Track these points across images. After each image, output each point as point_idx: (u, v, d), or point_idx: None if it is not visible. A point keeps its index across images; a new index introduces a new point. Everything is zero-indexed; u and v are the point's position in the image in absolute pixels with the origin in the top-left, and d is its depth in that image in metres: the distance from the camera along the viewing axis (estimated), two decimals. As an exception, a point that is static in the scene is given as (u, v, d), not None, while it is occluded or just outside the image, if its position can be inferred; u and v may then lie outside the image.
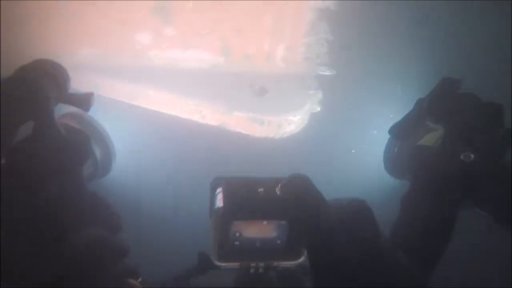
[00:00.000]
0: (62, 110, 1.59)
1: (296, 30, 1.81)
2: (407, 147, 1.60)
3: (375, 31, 1.76)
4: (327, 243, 1.10)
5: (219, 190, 1.14)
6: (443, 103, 1.38)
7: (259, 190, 1.13)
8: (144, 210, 1.84)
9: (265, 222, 1.11)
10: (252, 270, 1.13)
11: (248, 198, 1.12)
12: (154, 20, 1.83)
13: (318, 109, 1.88)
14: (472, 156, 1.28)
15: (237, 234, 1.11)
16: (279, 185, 1.14)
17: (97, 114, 1.76)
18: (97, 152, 1.66)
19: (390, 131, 1.50)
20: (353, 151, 1.90)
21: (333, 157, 1.88)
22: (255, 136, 1.94)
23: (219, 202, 1.12)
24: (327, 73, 1.80)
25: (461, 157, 1.29)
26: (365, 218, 1.13)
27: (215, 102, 1.93)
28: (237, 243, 1.11)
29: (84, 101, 1.31)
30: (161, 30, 1.84)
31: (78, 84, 1.50)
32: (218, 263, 1.12)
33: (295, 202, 1.10)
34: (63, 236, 1.16)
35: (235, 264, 1.13)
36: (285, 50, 1.84)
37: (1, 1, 1.52)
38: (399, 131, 1.49)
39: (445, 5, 1.72)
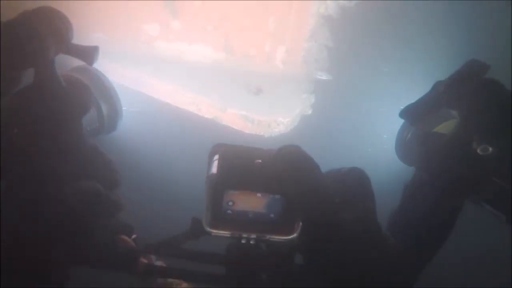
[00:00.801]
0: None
1: (298, 34, 1.89)
2: (421, 133, 1.51)
3: (374, 41, 1.84)
4: (323, 207, 1.09)
5: (216, 157, 1.15)
6: (464, 87, 1.25)
7: (257, 161, 1.13)
8: (144, 172, 1.88)
9: (259, 195, 1.12)
10: (243, 241, 1.14)
11: (243, 168, 1.12)
12: (163, 12, 1.91)
13: (310, 112, 1.94)
14: (491, 149, 1.20)
15: (230, 203, 1.11)
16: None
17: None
18: (104, 107, 1.64)
19: (401, 114, 1.36)
20: (385, 136, 1.89)
21: (320, 158, 1.91)
22: (245, 132, 2.00)
23: (214, 168, 1.13)
24: (324, 77, 1.87)
25: (478, 150, 1.20)
26: (363, 186, 1.15)
27: (212, 97, 1.99)
28: (229, 212, 1.12)
29: (88, 54, 1.29)
30: (169, 23, 1.92)
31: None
32: (209, 230, 1.12)
33: (289, 168, 1.10)
34: (59, 185, 1.20)
35: (226, 233, 1.13)
36: (285, 52, 1.92)
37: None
38: (411, 115, 1.35)
39: (445, 10, 1.77)
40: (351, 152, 1.91)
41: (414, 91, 1.46)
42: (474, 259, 1.84)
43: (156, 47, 1.96)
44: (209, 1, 1.88)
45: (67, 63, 1.55)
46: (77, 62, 1.48)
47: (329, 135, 1.94)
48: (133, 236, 1.27)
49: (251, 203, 1.12)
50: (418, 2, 1.77)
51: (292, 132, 1.97)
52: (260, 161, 1.13)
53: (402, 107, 1.35)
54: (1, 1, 1.26)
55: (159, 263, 1.31)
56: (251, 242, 1.14)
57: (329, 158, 1.88)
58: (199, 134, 1.94)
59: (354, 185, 1.15)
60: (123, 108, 1.82)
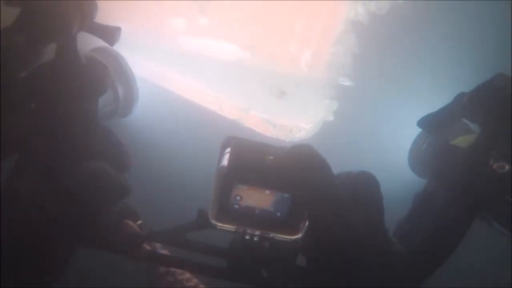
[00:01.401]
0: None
1: (325, 39, 1.87)
2: (438, 144, 1.48)
3: (400, 50, 1.81)
4: (332, 208, 1.08)
5: (228, 149, 1.14)
6: (487, 100, 1.23)
7: (268, 158, 1.12)
8: (156, 163, 1.86)
9: (267, 192, 1.11)
10: (247, 237, 1.13)
11: (254, 163, 1.11)
12: (191, 7, 1.90)
13: (331, 118, 1.92)
14: (507, 167, 1.17)
15: (238, 198, 1.11)
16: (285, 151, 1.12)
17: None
18: (120, 90, 1.64)
19: (419, 123, 1.36)
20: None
21: (339, 165, 1.89)
22: (267, 136, 1.97)
23: (225, 161, 1.12)
24: (347, 83, 1.85)
25: (495, 166, 1.18)
26: (372, 189, 1.13)
27: (234, 97, 1.97)
28: (236, 206, 1.11)
29: (110, 34, 1.29)
30: (196, 18, 1.92)
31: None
32: (214, 223, 1.12)
33: (300, 167, 1.09)
34: (70, 163, 1.19)
35: (231, 227, 1.13)
36: (310, 56, 1.90)
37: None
38: (430, 124, 1.35)
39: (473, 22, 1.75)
40: (371, 160, 1.87)
41: (437, 103, 1.46)
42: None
43: (180, 42, 1.95)
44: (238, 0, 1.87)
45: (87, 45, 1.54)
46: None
47: (349, 143, 1.91)
48: (139, 222, 1.26)
49: (258, 199, 1.11)
50: (448, 13, 1.75)
51: (313, 138, 1.95)
52: (271, 157, 1.12)
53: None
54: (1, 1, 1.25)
55: (163, 251, 1.30)
56: (255, 239, 1.13)
57: (348, 165, 1.88)
58: (220, 134, 1.92)
59: (363, 188, 1.13)
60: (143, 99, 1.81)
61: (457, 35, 1.77)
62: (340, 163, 1.87)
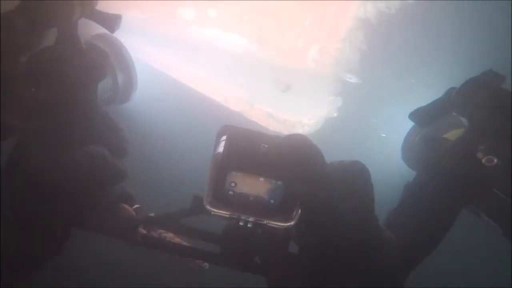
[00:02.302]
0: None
1: (333, 35, 1.87)
2: (428, 137, 1.49)
3: (408, 49, 1.81)
4: (323, 194, 1.10)
5: (224, 137, 1.15)
6: (475, 93, 1.25)
7: (263, 145, 1.13)
8: (155, 147, 1.88)
9: (261, 179, 1.11)
10: (241, 223, 1.13)
11: (249, 151, 1.12)
12: (201, -2, 1.91)
13: (335, 114, 1.92)
14: (495, 161, 1.19)
15: (232, 184, 1.12)
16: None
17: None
18: (120, 77, 1.64)
19: (411, 115, 1.36)
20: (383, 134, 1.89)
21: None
22: (270, 130, 1.98)
23: (220, 148, 1.13)
24: (353, 80, 1.85)
25: (483, 160, 1.19)
26: (363, 178, 1.14)
27: (240, 90, 1.98)
28: (230, 192, 1.12)
29: (110, 21, 1.29)
30: (206, 9, 1.93)
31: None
32: (209, 208, 1.12)
33: (294, 154, 1.10)
34: (69, 147, 1.20)
35: (225, 213, 1.13)
36: (318, 51, 1.90)
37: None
38: (421, 116, 1.35)
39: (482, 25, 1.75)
40: (372, 157, 1.86)
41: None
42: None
43: (189, 32, 1.96)
44: (249, -8, 1.88)
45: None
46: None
47: (352, 140, 1.90)
48: (135, 206, 1.27)
49: (253, 186, 1.12)
50: (457, 14, 1.75)
51: (316, 133, 1.95)
52: (266, 146, 1.13)
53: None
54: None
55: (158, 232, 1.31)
56: (249, 225, 1.13)
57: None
58: (221, 123, 1.93)
59: (354, 176, 1.14)
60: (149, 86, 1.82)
61: (466, 35, 1.77)
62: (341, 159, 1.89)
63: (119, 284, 1.80)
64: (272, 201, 1.12)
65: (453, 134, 1.42)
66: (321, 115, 1.95)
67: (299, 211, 1.11)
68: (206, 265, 1.45)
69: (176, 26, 1.95)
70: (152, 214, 1.29)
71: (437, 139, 1.41)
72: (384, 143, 1.87)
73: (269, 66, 1.93)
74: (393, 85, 1.84)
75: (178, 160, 1.89)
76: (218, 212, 1.13)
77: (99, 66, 1.29)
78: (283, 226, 1.12)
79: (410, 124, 1.76)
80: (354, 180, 1.13)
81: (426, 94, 1.76)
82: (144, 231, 1.24)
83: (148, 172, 1.71)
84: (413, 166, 1.57)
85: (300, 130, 1.97)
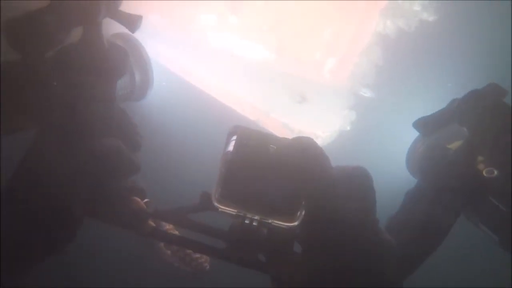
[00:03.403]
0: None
1: (351, 48, 1.90)
2: (430, 146, 1.49)
3: (424, 67, 1.83)
4: (327, 195, 1.12)
5: (234, 137, 1.18)
6: (477, 105, 1.28)
7: (271, 146, 1.17)
8: (168, 147, 1.91)
9: (269, 178, 1.14)
10: (247, 221, 1.15)
11: (258, 151, 1.16)
12: (223, 5, 1.94)
13: (348, 128, 1.93)
14: (496, 172, 1.21)
15: (240, 183, 1.14)
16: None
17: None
18: (137, 75, 1.67)
19: (414, 124, 1.40)
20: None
21: None
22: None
23: (231, 147, 1.17)
24: (368, 95, 1.86)
25: (484, 172, 1.22)
26: (365, 182, 1.15)
27: (256, 98, 2.00)
28: (238, 190, 1.14)
29: (131, 21, 1.34)
30: (227, 16, 1.96)
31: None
32: (216, 205, 1.14)
33: (300, 158, 1.13)
34: (86, 139, 1.23)
35: (232, 210, 1.15)
36: (335, 64, 1.92)
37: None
38: (423, 126, 1.39)
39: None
40: (384, 173, 1.88)
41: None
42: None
43: (209, 38, 1.99)
44: (271, 2, 1.90)
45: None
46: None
47: (364, 154, 1.89)
48: (145, 200, 1.29)
49: (260, 185, 1.15)
50: (476, 35, 1.77)
51: (328, 146, 1.96)
52: (274, 147, 1.17)
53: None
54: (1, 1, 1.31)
55: (167, 227, 1.33)
56: (254, 223, 1.15)
57: None
58: None
59: (357, 180, 1.16)
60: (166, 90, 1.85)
61: (485, 56, 1.78)
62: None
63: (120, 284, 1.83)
64: (278, 200, 1.15)
65: (456, 145, 1.43)
66: (334, 128, 1.97)
67: (303, 211, 1.13)
68: (207, 266, 1.46)
69: (195, 31, 1.98)
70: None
71: (437, 147, 1.44)
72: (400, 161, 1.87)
73: (286, 76, 1.95)
74: (407, 101, 1.85)
75: (192, 164, 1.91)
76: (225, 209, 1.15)
77: (119, 65, 1.35)
78: (288, 225, 1.14)
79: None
80: (356, 184, 1.15)
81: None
82: (153, 224, 1.25)
83: (159, 168, 1.73)
84: (415, 175, 1.59)
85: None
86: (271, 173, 1.15)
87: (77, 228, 1.24)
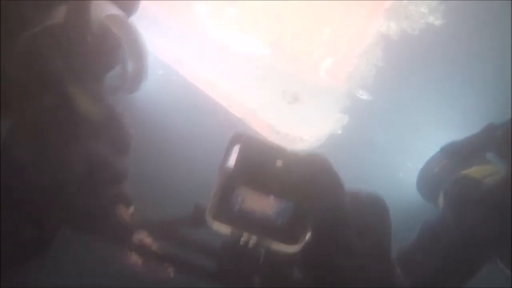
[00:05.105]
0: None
1: (350, 49, 1.82)
2: (452, 170, 1.42)
3: (426, 70, 1.75)
4: (337, 227, 1.04)
5: (237, 147, 1.09)
6: None
7: (278, 161, 1.06)
8: (157, 148, 1.80)
9: (272, 197, 1.05)
10: (243, 239, 1.07)
11: (262, 166, 1.06)
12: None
13: (339, 132, 1.86)
14: None
15: (239, 199, 1.06)
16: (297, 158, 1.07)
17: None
18: (130, 64, 1.48)
19: (444, 150, 1.35)
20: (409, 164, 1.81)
21: None
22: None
23: (232, 160, 1.07)
24: (364, 97, 1.79)
25: None
26: (381, 217, 1.07)
27: (246, 94, 1.92)
28: (236, 207, 1.06)
29: (128, 4, 1.24)
30: (224, 7, 1.87)
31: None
32: (211, 220, 1.07)
33: (311, 180, 1.03)
34: (67, 143, 1.13)
35: (227, 227, 1.07)
36: (332, 64, 1.84)
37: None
38: (455, 152, 1.33)
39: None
40: (373, 182, 1.82)
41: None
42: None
43: (203, 29, 1.89)
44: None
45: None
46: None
47: (353, 160, 1.83)
48: (131, 209, 1.19)
49: (261, 204, 1.06)
50: (482, 39, 1.70)
51: (315, 150, 1.86)
52: (281, 162, 1.07)
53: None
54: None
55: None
56: (249, 245, 1.07)
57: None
58: (224, 130, 1.87)
59: (372, 212, 1.08)
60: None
61: (490, 64, 1.72)
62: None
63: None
64: (279, 222, 1.06)
65: (476, 171, 1.33)
66: (324, 132, 1.89)
67: (306, 237, 1.05)
68: (171, 271, 1.37)
69: (191, 21, 1.88)
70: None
71: (471, 182, 1.32)
72: (390, 167, 1.83)
73: (279, 73, 1.87)
74: (406, 107, 1.79)
75: (176, 159, 1.82)
76: (220, 226, 1.07)
77: (108, 56, 1.21)
78: (287, 249, 1.06)
79: (419, 149, 1.72)
80: (372, 216, 1.07)
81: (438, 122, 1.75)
82: (138, 237, 1.17)
83: (149, 170, 1.65)
84: (428, 197, 1.52)
85: (300, 145, 1.91)
86: (275, 191, 1.05)
87: (51, 238, 1.15)
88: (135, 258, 1.35)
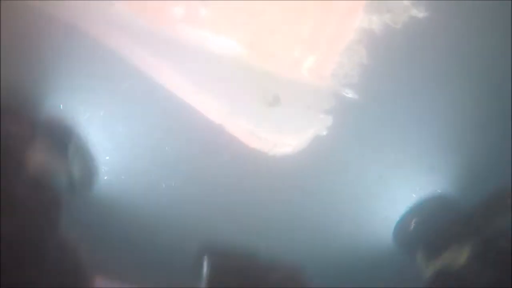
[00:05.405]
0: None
1: (332, 46, 1.76)
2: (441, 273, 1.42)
3: (413, 68, 1.72)
4: None
5: (207, 272, 1.06)
6: None
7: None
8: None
9: None
10: None
11: None
12: (193, -5, 1.78)
13: (324, 133, 1.79)
14: None
15: None
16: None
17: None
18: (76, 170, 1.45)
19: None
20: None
21: (320, 188, 1.78)
22: (249, 147, 1.84)
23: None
24: (349, 95, 1.72)
25: None
26: None
27: (224, 99, 1.83)
28: None
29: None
30: (197, 7, 1.79)
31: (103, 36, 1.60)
32: None
33: None
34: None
35: None
36: (315, 62, 1.78)
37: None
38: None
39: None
40: (358, 187, 1.75)
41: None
42: None
43: (176, 30, 1.81)
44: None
45: None
46: None
47: (339, 164, 1.78)
48: None
49: None
50: (467, 32, 1.69)
51: (299, 154, 1.82)
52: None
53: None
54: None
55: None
56: None
57: (330, 192, 1.75)
58: (202, 137, 1.81)
59: None
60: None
61: (477, 56, 1.70)
62: (324, 185, 1.75)
63: None
64: None
65: (451, 257, 1.36)
66: (308, 135, 1.82)
67: None
68: None
69: (162, 22, 1.80)
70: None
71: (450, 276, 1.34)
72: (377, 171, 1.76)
73: (258, 73, 1.79)
74: (394, 105, 1.75)
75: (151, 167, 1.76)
76: None
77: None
78: None
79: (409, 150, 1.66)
80: None
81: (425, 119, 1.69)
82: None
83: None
84: (405, 252, 1.56)
85: (282, 149, 1.83)
86: None
87: None
88: None
